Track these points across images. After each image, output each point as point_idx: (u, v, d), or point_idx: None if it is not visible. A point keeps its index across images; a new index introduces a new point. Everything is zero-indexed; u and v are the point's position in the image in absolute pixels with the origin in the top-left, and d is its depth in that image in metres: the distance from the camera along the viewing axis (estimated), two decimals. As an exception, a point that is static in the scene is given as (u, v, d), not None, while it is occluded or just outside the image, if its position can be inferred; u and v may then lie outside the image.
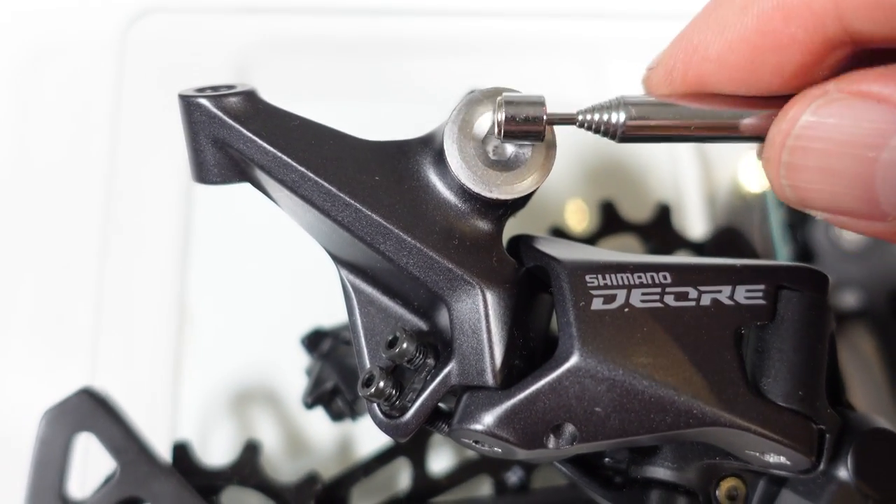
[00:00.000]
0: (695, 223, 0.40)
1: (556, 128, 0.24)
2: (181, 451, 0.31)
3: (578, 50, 0.44)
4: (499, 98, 0.22)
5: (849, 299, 0.41)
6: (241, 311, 0.39)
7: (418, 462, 0.33)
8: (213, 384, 0.37)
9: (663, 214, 0.35)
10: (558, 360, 0.23)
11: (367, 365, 0.25)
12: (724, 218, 0.41)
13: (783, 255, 0.40)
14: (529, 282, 0.25)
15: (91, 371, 0.37)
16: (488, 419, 0.23)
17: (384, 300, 0.26)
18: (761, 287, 0.24)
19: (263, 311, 0.39)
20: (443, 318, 0.25)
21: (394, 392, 0.24)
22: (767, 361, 0.24)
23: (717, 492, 0.26)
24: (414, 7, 0.43)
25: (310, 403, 0.32)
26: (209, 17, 0.42)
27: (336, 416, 0.33)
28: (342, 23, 0.43)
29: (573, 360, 0.22)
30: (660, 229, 0.35)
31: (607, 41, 0.44)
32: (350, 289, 0.26)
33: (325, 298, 0.37)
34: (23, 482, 0.35)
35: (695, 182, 0.42)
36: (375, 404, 0.25)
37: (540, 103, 0.22)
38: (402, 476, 0.35)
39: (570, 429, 0.23)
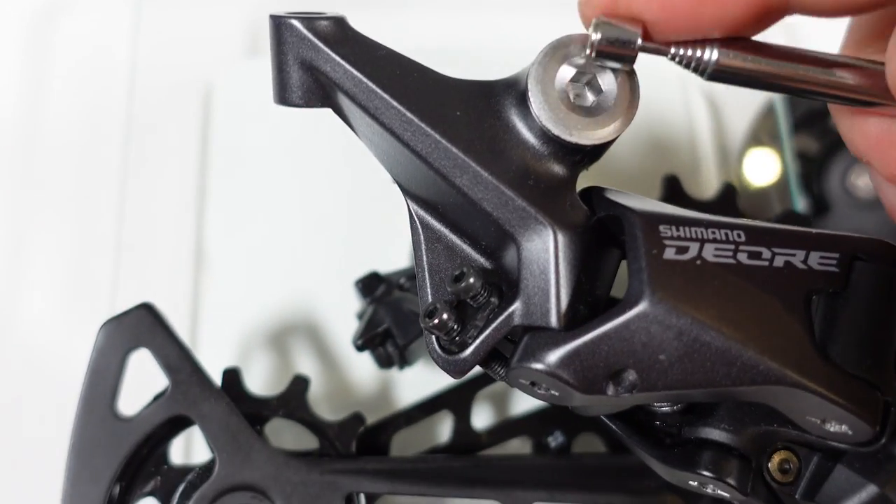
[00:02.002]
0: (711, 180, 0.41)
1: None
2: (231, 377, 0.31)
3: None
4: (594, 19, 0.22)
5: None
6: (262, 256, 0.39)
7: (462, 416, 0.33)
8: (238, 326, 0.37)
9: (728, 194, 0.35)
10: (627, 304, 0.22)
11: (430, 299, 0.25)
12: (739, 171, 0.42)
13: (800, 206, 0.42)
14: (599, 233, 0.25)
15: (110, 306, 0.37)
16: (551, 358, 0.23)
17: (452, 237, 0.26)
18: (836, 255, 0.24)
19: (284, 257, 0.39)
20: (509, 258, 0.25)
21: (455, 326, 0.24)
22: (836, 329, 0.23)
23: (769, 463, 0.26)
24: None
25: (361, 345, 0.32)
26: None
27: (383, 362, 0.33)
28: None
29: (643, 304, 0.22)
30: (724, 209, 0.35)
31: None
32: (418, 224, 0.26)
33: (352, 244, 0.38)
34: (46, 410, 0.36)
35: (708, 137, 0.43)
36: (434, 338, 0.25)
37: (634, 29, 0.22)
38: (443, 428, 0.35)
39: (631, 376, 0.23)
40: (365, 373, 0.36)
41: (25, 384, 0.38)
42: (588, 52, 0.22)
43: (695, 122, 0.43)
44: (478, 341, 0.24)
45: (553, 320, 0.23)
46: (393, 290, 0.33)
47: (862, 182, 0.43)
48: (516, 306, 0.24)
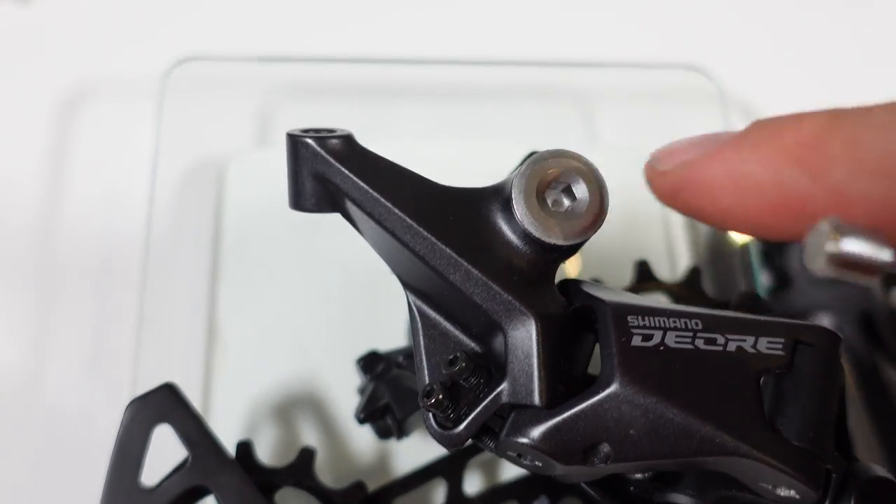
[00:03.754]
0: (682, 260, 0.46)
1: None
2: (244, 449, 0.34)
3: (569, 96, 0.49)
4: (831, 223, 0.19)
5: (822, 321, 0.45)
6: (270, 334, 0.42)
7: (454, 483, 0.36)
8: (248, 399, 0.40)
9: (694, 276, 0.39)
10: (600, 386, 0.26)
11: (427, 381, 0.28)
12: (707, 251, 0.46)
13: (761, 281, 0.45)
14: (575, 321, 0.28)
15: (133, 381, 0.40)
16: (534, 434, 0.26)
17: (446, 325, 0.29)
18: (781, 340, 0.27)
19: (290, 335, 0.42)
20: (497, 344, 0.28)
21: (450, 405, 0.27)
22: (783, 405, 0.27)
23: (730, 525, 0.29)
24: (414, 56, 0.50)
25: (363, 419, 0.35)
26: (236, 66, 0.48)
27: (383, 433, 0.36)
28: (351, 70, 0.49)
29: (613, 386, 0.25)
30: (691, 289, 0.38)
31: (597, 89, 0.50)
32: (416, 313, 0.29)
33: (353, 323, 0.41)
34: (69, 478, 0.39)
35: (680, 223, 0.47)
36: (431, 415, 0.28)
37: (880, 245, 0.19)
38: (437, 495, 0.37)
39: (605, 448, 0.26)
40: (365, 443, 0.39)
41: (49, 452, 0.41)
42: (821, 262, 0.19)
43: (667, 213, 0.47)
44: (470, 418, 0.27)
45: (536, 399, 0.26)
46: (391, 367, 0.36)
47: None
48: (504, 387, 0.27)
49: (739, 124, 0.51)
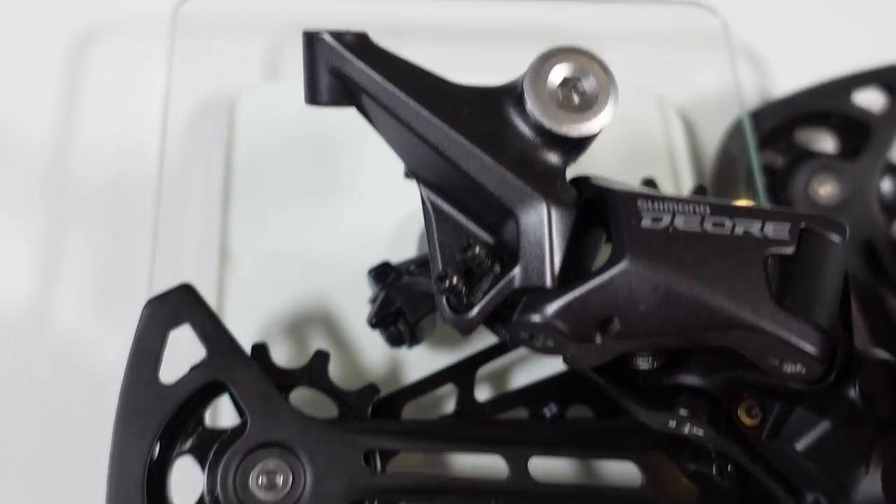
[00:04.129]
0: (686, 186, 0.46)
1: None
2: (259, 351, 0.35)
3: (574, 34, 0.50)
4: None
5: None
6: (280, 253, 0.43)
7: (465, 389, 0.37)
8: (260, 316, 0.41)
9: (699, 193, 0.39)
10: (611, 263, 0.27)
11: (442, 267, 0.29)
12: (712, 181, 0.47)
13: None
14: (586, 212, 0.29)
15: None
16: (547, 311, 0.27)
17: (459, 217, 0.30)
18: (787, 225, 0.28)
19: (300, 254, 0.43)
20: (509, 233, 0.29)
21: (463, 288, 0.28)
22: (789, 287, 0.27)
23: (738, 410, 0.29)
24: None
25: (375, 323, 0.36)
26: (246, 0, 0.48)
27: (394, 340, 0.37)
28: (359, 7, 0.49)
29: (624, 262, 0.26)
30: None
31: (602, 26, 0.50)
32: (430, 206, 0.30)
33: (361, 240, 0.42)
34: (83, 401, 0.40)
35: (683, 150, 0.48)
36: (445, 300, 0.29)
37: None
38: (448, 401, 0.38)
39: (616, 326, 0.27)
40: (377, 351, 0.40)
41: (62, 373, 0.41)
42: None
43: (671, 136, 0.48)
44: (483, 301, 0.28)
45: (548, 280, 0.27)
46: (403, 276, 0.37)
47: (823, 191, 0.47)
48: (516, 271, 0.28)
49: (744, 62, 0.52)
